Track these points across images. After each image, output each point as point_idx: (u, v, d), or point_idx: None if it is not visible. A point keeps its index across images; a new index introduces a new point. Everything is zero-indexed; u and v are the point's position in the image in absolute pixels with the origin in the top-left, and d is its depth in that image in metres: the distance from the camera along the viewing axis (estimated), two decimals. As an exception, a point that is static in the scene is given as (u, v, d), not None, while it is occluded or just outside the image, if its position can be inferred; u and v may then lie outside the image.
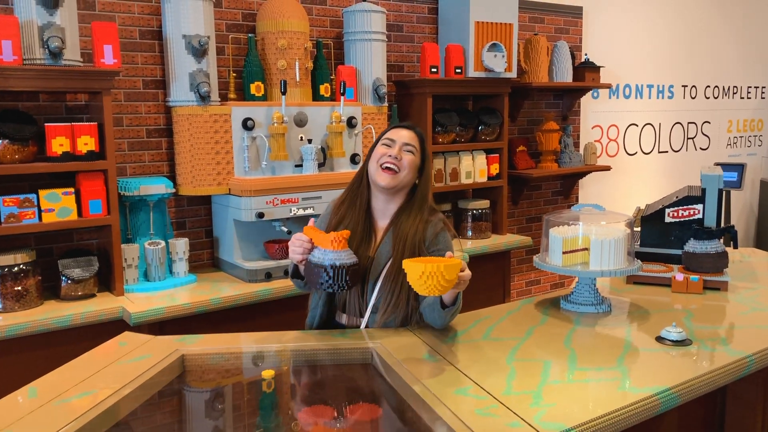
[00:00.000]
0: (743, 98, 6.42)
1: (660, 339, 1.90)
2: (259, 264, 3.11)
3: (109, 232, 2.86)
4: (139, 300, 2.82)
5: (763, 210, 6.52)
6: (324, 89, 3.45)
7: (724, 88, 6.20)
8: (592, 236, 2.14)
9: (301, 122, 3.28)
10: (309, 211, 3.19)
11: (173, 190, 3.07)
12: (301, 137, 3.29)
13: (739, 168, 5.80)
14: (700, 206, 2.57)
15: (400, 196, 2.13)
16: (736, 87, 6.31)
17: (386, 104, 3.62)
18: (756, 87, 6.51)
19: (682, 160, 5.92)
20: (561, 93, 4.79)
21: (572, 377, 1.64)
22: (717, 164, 5.90)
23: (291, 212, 3.14)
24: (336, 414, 1.56)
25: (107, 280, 2.96)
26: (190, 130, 3.06)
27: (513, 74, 3.99)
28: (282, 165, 3.24)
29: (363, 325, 2.04)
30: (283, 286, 3.02)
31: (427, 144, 2.19)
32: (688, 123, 5.95)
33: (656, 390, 1.56)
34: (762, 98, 6.60)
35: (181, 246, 3.09)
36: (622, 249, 2.13)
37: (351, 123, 3.42)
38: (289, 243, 2.01)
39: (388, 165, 2.04)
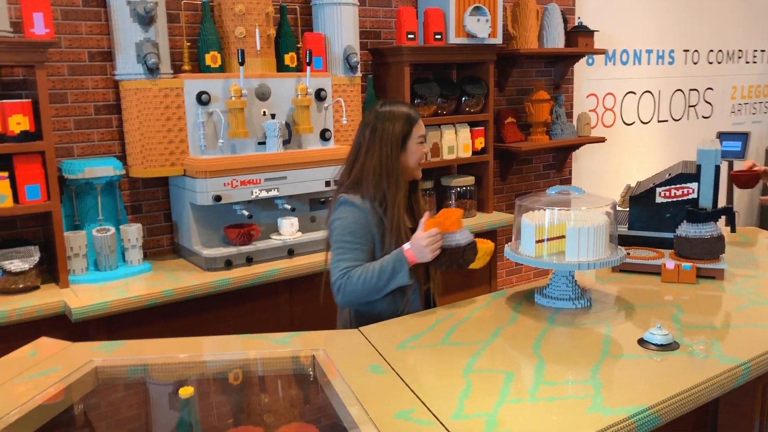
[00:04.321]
0: (748, 63, 6.09)
1: (643, 342, 1.66)
2: (218, 251, 2.88)
3: (50, 219, 2.62)
4: (86, 292, 2.60)
5: (768, 181, 6.22)
6: (289, 59, 3.18)
7: (728, 53, 5.87)
8: (568, 223, 1.89)
9: (263, 95, 3.02)
10: (273, 193, 2.95)
11: (122, 172, 2.82)
12: (264, 112, 3.03)
13: (743, 137, 5.50)
14: (694, 185, 2.32)
15: None
16: (740, 51, 5.98)
17: (359, 74, 3.35)
18: (762, 51, 6.17)
19: (683, 130, 5.62)
20: (552, 60, 4.49)
21: (536, 394, 1.41)
22: (720, 133, 5.61)
23: (252, 194, 2.90)
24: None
25: (54, 271, 2.74)
26: (138, 106, 2.80)
27: (498, 40, 3.70)
28: (243, 143, 2.99)
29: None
30: (244, 275, 2.79)
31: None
32: (690, 90, 5.64)
33: (632, 411, 1.33)
34: (768, 62, 6.27)
35: (133, 232, 2.86)
36: (602, 237, 1.88)
37: (319, 95, 3.16)
38: (426, 244, 1.90)
39: (422, 160, 2.13)
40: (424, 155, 2.11)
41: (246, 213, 2.92)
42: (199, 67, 3.00)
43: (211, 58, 2.96)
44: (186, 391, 1.45)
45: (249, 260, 2.91)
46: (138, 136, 2.83)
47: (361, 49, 3.46)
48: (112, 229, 2.79)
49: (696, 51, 5.59)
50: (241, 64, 2.86)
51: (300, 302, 3.04)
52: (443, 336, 1.74)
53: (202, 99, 2.85)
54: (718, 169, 2.28)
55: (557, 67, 4.52)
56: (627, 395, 1.40)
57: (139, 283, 2.73)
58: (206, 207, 2.90)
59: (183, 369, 1.60)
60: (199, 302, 2.74)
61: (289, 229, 3.06)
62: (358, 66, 3.31)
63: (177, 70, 2.97)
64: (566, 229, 1.88)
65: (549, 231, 1.90)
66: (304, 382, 1.58)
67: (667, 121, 5.49)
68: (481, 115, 3.78)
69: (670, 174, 2.41)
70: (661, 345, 1.62)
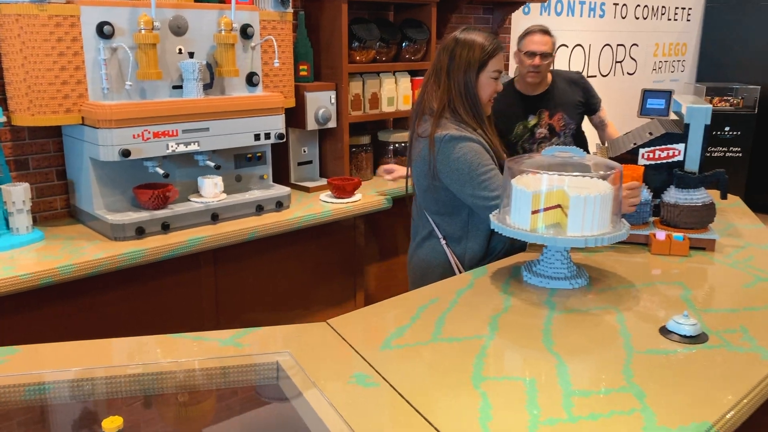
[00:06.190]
0: (670, 20, 6.07)
1: (666, 332, 1.42)
2: (127, 216, 2.40)
3: None
4: (-42, 270, 2.08)
5: (683, 139, 6.31)
6: (209, -13, 2.68)
7: (653, 8, 5.80)
8: (570, 191, 1.61)
9: (179, 30, 2.52)
10: (192, 148, 2.49)
11: (3, 119, 2.28)
12: (180, 49, 2.54)
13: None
14: (681, 146, 2.10)
15: None
16: (664, 7, 5.94)
17: (291, 10, 2.90)
18: (683, 8, 6.17)
19: (610, 86, 5.53)
20: (491, 6, 4.19)
21: (572, 410, 1.13)
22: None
23: (168, 149, 2.43)
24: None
25: None
26: (21, 38, 2.24)
27: (442, -21, 3.35)
28: (155, 86, 2.50)
29: None
30: (159, 245, 2.34)
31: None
32: (617, 45, 5.54)
33: (696, 431, 1.07)
34: (687, 20, 6.29)
35: (19, 194, 2.33)
36: (608, 207, 1.62)
37: (246, 33, 2.69)
38: (626, 195, 1.82)
39: (494, 97, 2.06)
40: (495, 92, 2.04)
41: (161, 171, 2.45)
42: (99, -9, 2.46)
43: (114, -19, 2.42)
44: (113, 423, 1.06)
45: (165, 227, 2.46)
46: (22, 74, 2.28)
47: (292, -19, 3.01)
48: (-9, 190, 2.26)
49: (625, 5, 5.48)
50: (153, -11, 2.35)
51: (226, 274, 2.63)
52: (433, 329, 1.43)
53: (105, 31, 2.33)
54: (707, 128, 2.08)
55: (496, 15, 4.23)
56: (679, 408, 1.14)
57: (28, 257, 2.23)
58: (111, 163, 2.41)
59: (102, 387, 1.19)
60: (103, 278, 2.28)
61: (211, 189, 2.62)
62: (290, 0, 2.86)
63: (70, -7, 2.42)
64: (568, 198, 1.59)
65: (547, 199, 1.61)
66: (269, 401, 1.22)
67: (595, 76, 5.37)
68: (422, 63, 3.43)
69: (650, 133, 2.19)
70: (690, 336, 1.39)
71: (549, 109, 3.13)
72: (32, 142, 2.56)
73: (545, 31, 3.03)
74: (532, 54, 2.99)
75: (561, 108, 3.13)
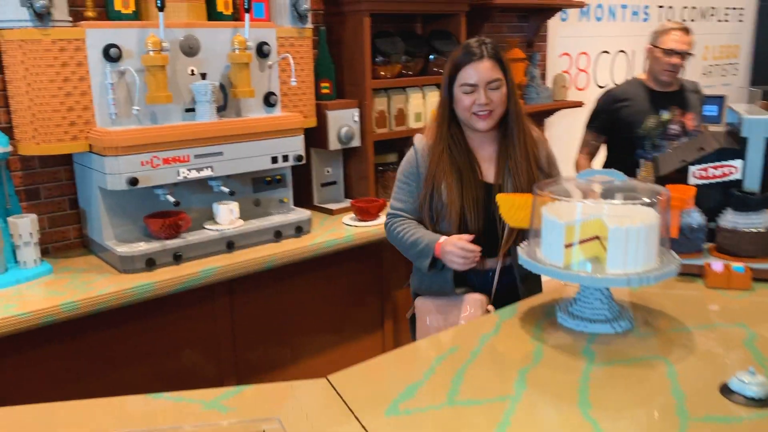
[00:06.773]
0: (720, 21, 5.73)
1: (728, 392, 1.20)
2: (137, 247, 2.28)
3: None
4: (-42, 308, 1.98)
5: (737, 146, 5.95)
6: (223, 4, 2.55)
7: (701, 10, 5.48)
8: (609, 221, 1.40)
9: (190, 50, 2.40)
10: (206, 173, 2.36)
11: (9, 149, 2.19)
12: (192, 71, 2.42)
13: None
14: (738, 163, 1.86)
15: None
16: (713, 8, 5.60)
17: (310, 26, 2.76)
18: (734, 8, 5.82)
19: (657, 93, 5.23)
20: (526, 14, 3.98)
21: (612, 502, 0.92)
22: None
23: (180, 175, 2.30)
24: None
25: None
26: (25, 63, 2.15)
27: (471, -13, 3.16)
28: (165, 110, 2.38)
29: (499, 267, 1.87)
30: (171, 277, 2.21)
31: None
32: (664, 50, 5.23)
33: None
34: (740, 21, 5.93)
35: (25, 226, 2.23)
36: (654, 239, 1.40)
37: (262, 51, 2.56)
38: (457, 256, 1.76)
39: (482, 112, 1.85)
40: (473, 105, 1.84)
41: (172, 199, 2.33)
42: (107, 13, 2.36)
43: (122, 2, 2.32)
44: None
45: (177, 258, 2.33)
46: (27, 102, 2.18)
47: (312, -6, 2.87)
48: (-3, 223, 2.17)
49: (671, 7, 5.18)
50: (161, 9, 2.24)
51: (242, 306, 2.49)
52: (449, 387, 1.24)
53: (111, 54, 2.22)
54: (768, 142, 1.83)
55: (531, 23, 4.02)
56: (747, 499, 0.93)
57: (34, 292, 2.13)
58: (120, 192, 2.29)
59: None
60: (111, 313, 2.16)
61: (227, 216, 2.48)
62: (309, 15, 2.72)
63: (77, 17, 2.32)
64: (607, 229, 1.38)
65: (583, 230, 1.40)
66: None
67: (641, 83, 5.08)
68: (452, 76, 3.24)
69: (702, 149, 1.95)
70: (759, 400, 1.16)
71: (681, 108, 3.00)
72: (43, 171, 2.47)
73: (687, 30, 2.91)
74: (671, 52, 2.87)
75: (692, 109, 3.04)
